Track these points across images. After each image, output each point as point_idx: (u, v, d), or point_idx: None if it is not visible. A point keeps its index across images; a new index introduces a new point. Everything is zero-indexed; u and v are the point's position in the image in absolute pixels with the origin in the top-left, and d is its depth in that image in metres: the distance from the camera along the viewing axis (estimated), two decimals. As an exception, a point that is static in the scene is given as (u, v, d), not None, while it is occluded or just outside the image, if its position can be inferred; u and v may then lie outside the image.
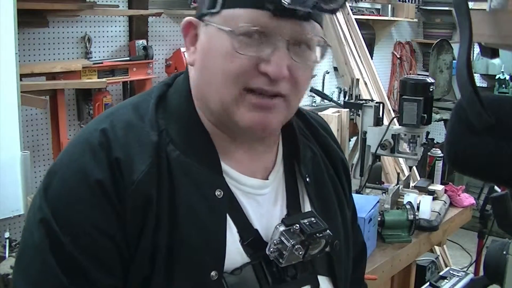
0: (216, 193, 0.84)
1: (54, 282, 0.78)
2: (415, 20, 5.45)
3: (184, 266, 0.81)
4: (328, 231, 0.88)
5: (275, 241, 0.85)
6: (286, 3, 0.76)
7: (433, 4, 5.64)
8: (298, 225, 0.86)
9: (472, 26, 0.70)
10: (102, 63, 3.08)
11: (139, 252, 0.79)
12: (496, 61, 4.79)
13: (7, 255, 2.14)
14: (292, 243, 0.84)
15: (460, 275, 2.02)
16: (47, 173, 0.84)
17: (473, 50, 3.45)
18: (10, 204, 2.38)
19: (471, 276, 2.07)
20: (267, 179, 0.92)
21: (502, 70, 4.85)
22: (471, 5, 0.73)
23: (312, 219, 0.88)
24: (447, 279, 1.99)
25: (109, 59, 3.23)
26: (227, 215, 0.85)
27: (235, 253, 0.85)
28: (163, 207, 0.80)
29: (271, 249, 0.85)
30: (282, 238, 0.85)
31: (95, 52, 3.21)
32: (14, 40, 2.32)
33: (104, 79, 3.00)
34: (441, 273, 2.08)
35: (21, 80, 2.45)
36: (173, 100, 0.89)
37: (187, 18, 0.86)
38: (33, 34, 2.92)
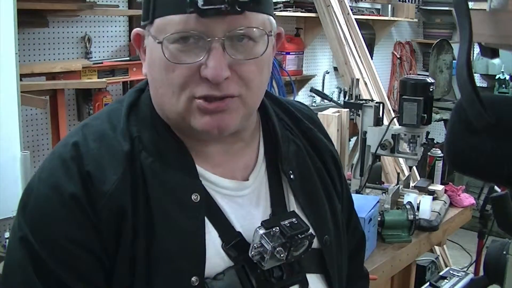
0: (192, 197, 0.83)
1: None
2: (415, 20, 5.45)
3: (164, 273, 0.80)
4: (310, 231, 0.87)
5: (255, 245, 0.84)
6: (200, 5, 0.74)
7: (433, 4, 5.63)
8: (278, 228, 0.84)
9: (472, 26, 0.70)
10: (102, 63, 3.08)
11: (118, 262, 0.79)
12: (496, 61, 4.79)
13: (7, 255, 2.14)
14: (272, 246, 0.83)
15: (460, 275, 2.02)
16: (24, 190, 0.85)
17: (473, 50, 3.45)
18: (10, 204, 2.38)
19: (471, 276, 2.07)
20: (248, 179, 0.91)
21: (502, 70, 4.85)
22: (471, 5, 0.72)
23: (294, 219, 0.87)
24: (447, 279, 1.99)
25: (109, 59, 3.23)
26: (206, 219, 0.84)
27: (216, 257, 0.84)
28: (139, 215, 0.80)
29: (253, 252, 0.84)
30: (262, 242, 0.83)
31: (95, 52, 3.21)
32: (14, 40, 2.32)
33: (104, 79, 3.00)
34: (441, 273, 2.08)
35: (21, 80, 2.45)
36: (144, 106, 0.88)
37: (135, 29, 0.87)
38: (33, 34, 2.92)
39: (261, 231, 0.84)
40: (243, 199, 0.89)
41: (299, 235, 0.85)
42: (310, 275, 0.92)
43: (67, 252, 0.78)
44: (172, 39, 0.78)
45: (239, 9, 0.76)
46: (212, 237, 0.84)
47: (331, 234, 0.96)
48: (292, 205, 0.94)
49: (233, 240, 0.85)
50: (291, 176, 0.93)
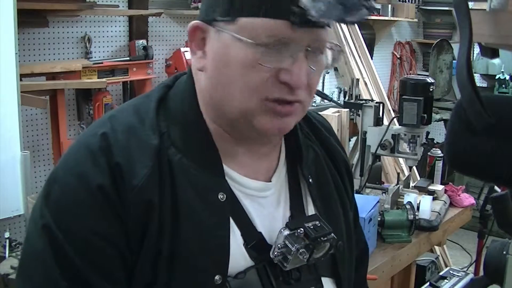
0: (219, 197, 0.83)
1: None
2: (415, 20, 5.45)
3: (188, 270, 0.80)
4: (332, 234, 0.88)
5: (279, 245, 0.84)
6: (314, 18, 0.74)
7: (433, 4, 5.63)
8: (302, 229, 0.85)
9: (472, 26, 0.70)
10: (102, 63, 3.08)
11: (141, 257, 0.78)
12: (496, 61, 4.79)
13: (7, 255, 2.14)
14: (296, 247, 0.84)
15: (460, 275, 2.02)
16: (47, 179, 0.83)
17: (473, 50, 3.45)
18: (10, 204, 2.38)
19: (471, 276, 2.07)
20: (270, 181, 0.92)
21: (502, 70, 4.85)
22: (471, 5, 0.72)
23: (317, 222, 0.88)
24: (447, 279, 1.99)
25: (109, 59, 3.23)
26: (230, 218, 0.84)
27: (238, 256, 0.84)
28: (165, 211, 0.79)
29: (275, 253, 0.84)
30: (287, 242, 0.84)
31: (95, 52, 3.21)
32: (14, 40, 2.32)
33: (104, 79, 3.00)
34: (441, 273, 2.08)
35: (21, 80, 2.45)
36: (175, 102, 0.88)
37: (194, 22, 0.84)
38: (33, 34, 2.92)
39: (286, 232, 0.85)
40: (265, 200, 0.90)
41: (322, 238, 0.86)
42: (323, 279, 0.93)
43: (90, 244, 0.77)
44: (265, 42, 0.77)
45: (328, 25, 0.79)
46: (236, 237, 0.84)
47: (344, 240, 0.97)
48: (310, 208, 0.95)
49: (254, 240, 0.86)
50: (310, 181, 0.95)
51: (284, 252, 0.84)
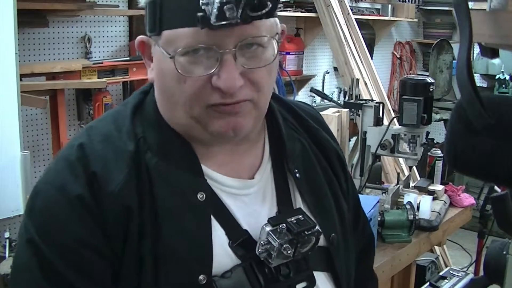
0: (198, 196, 0.84)
1: None
2: (415, 20, 5.45)
3: (171, 272, 0.80)
4: (317, 227, 0.87)
5: (262, 242, 0.84)
6: (212, 22, 0.74)
7: (433, 4, 5.63)
8: (284, 224, 0.85)
9: (472, 26, 0.70)
10: (102, 63, 3.08)
11: (125, 261, 0.79)
12: (496, 61, 4.78)
13: (7, 255, 2.14)
14: (279, 242, 0.83)
15: (460, 275, 2.02)
16: (31, 192, 0.85)
17: (473, 50, 3.45)
18: (10, 204, 2.38)
19: (471, 276, 2.08)
20: (253, 178, 0.92)
21: (502, 70, 4.85)
22: (471, 5, 0.72)
23: (300, 216, 0.87)
24: (447, 279, 1.99)
25: (109, 59, 3.23)
26: (212, 217, 0.85)
27: (223, 255, 0.84)
28: (145, 215, 0.80)
29: (260, 250, 0.84)
30: (269, 239, 0.84)
31: (95, 52, 3.21)
32: (14, 40, 2.32)
33: (104, 79, 3.00)
34: (441, 273, 2.09)
35: (21, 80, 2.45)
36: (149, 108, 0.89)
37: (139, 37, 0.86)
38: (33, 34, 2.92)
39: (268, 228, 0.85)
40: (249, 197, 0.90)
41: (305, 232, 0.85)
42: (317, 273, 0.92)
43: (74, 253, 0.78)
44: (183, 52, 0.78)
45: (249, 21, 0.77)
46: (219, 236, 0.85)
47: (337, 233, 0.96)
48: (299, 203, 0.94)
49: (240, 238, 0.86)
50: (297, 175, 0.94)
51: (268, 249, 0.84)
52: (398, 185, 2.32)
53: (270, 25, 0.82)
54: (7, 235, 2.22)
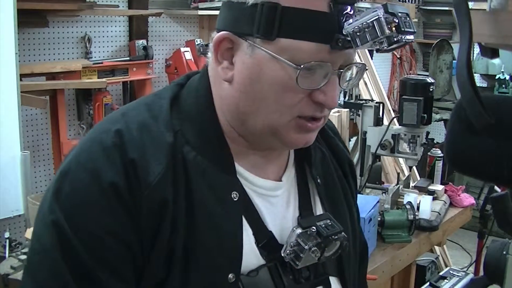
0: (232, 195, 0.84)
1: (62, 287, 0.76)
2: (415, 20, 5.45)
3: (202, 269, 0.80)
4: (343, 233, 0.88)
5: (291, 244, 0.85)
6: (356, 45, 0.77)
7: (433, 4, 5.63)
8: (314, 228, 0.86)
9: (472, 26, 0.70)
10: (102, 63, 3.09)
11: (153, 255, 0.78)
12: (496, 61, 4.79)
13: (7, 255, 2.14)
14: (309, 245, 0.84)
15: (460, 275, 2.02)
16: (58, 173, 0.82)
17: (473, 50, 3.45)
18: (10, 204, 2.39)
19: (471, 276, 2.07)
20: (280, 181, 0.92)
21: (502, 70, 4.85)
22: (471, 5, 0.72)
23: (328, 221, 0.89)
24: (447, 279, 1.99)
25: (109, 59, 3.23)
26: (243, 217, 0.85)
27: (251, 255, 0.84)
28: (179, 209, 0.79)
29: (287, 251, 0.85)
30: (299, 241, 0.85)
31: (95, 52, 3.21)
32: (14, 40, 2.32)
33: (104, 79, 3.01)
34: (441, 273, 2.08)
35: (21, 80, 2.45)
36: (188, 101, 0.87)
37: (224, 33, 0.82)
38: (33, 34, 2.92)
39: (298, 230, 0.86)
40: (276, 199, 0.91)
41: (333, 236, 0.87)
42: (330, 278, 0.94)
43: (99, 241, 0.76)
44: (307, 66, 0.78)
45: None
46: (248, 235, 0.85)
47: (349, 240, 0.97)
48: (319, 209, 0.96)
49: (265, 239, 0.86)
50: (318, 181, 0.96)
51: (296, 251, 0.85)
52: (398, 185, 2.32)
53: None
54: (7, 235, 2.22)
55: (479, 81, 5.24)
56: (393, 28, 0.76)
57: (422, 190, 2.39)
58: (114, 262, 0.77)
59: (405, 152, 2.25)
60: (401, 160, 3.30)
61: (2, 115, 2.32)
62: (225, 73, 0.84)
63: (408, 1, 5.47)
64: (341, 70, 0.81)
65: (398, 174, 2.72)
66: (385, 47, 0.78)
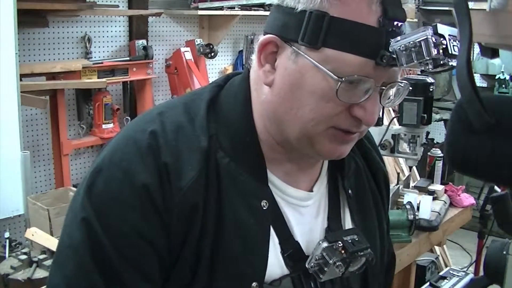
0: (262, 204, 0.83)
1: (89, 284, 0.76)
2: (415, 20, 5.45)
3: (227, 275, 0.80)
4: (369, 249, 0.87)
5: (316, 257, 0.84)
6: (401, 64, 0.75)
7: (433, 4, 5.63)
8: (341, 242, 0.85)
9: (472, 26, 0.70)
10: (102, 63, 3.09)
11: (181, 259, 0.78)
12: (496, 61, 4.78)
13: (7, 255, 2.14)
14: (334, 260, 0.84)
15: (460, 275, 2.02)
16: (91, 169, 0.81)
17: (473, 50, 3.45)
18: (10, 204, 2.39)
19: (471, 276, 2.07)
20: (312, 191, 0.91)
21: (502, 70, 4.85)
22: (471, 5, 0.72)
23: (355, 236, 0.88)
24: (447, 279, 1.99)
25: (109, 59, 3.23)
26: (270, 226, 0.84)
27: (275, 264, 0.84)
28: (209, 215, 0.79)
29: (312, 264, 0.84)
30: (324, 254, 0.84)
31: (95, 52, 3.21)
32: (14, 40, 2.32)
33: (104, 79, 3.01)
34: (441, 273, 2.08)
35: (21, 80, 2.45)
36: (226, 105, 0.86)
37: (271, 36, 0.81)
38: (33, 34, 2.92)
39: (324, 244, 0.85)
40: (306, 209, 0.90)
41: (359, 252, 0.86)
42: None
43: (129, 242, 0.76)
44: (351, 80, 0.76)
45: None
46: (274, 244, 0.84)
47: (377, 254, 0.97)
48: (348, 221, 0.95)
49: (291, 249, 0.86)
50: (349, 193, 0.95)
51: (320, 264, 0.84)
52: (398, 185, 2.32)
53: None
54: (7, 235, 2.22)
55: (479, 81, 5.24)
56: (441, 51, 0.75)
57: (422, 190, 2.39)
58: (141, 263, 0.77)
59: (405, 152, 2.25)
60: (401, 160, 3.30)
61: (2, 115, 2.32)
62: (266, 76, 0.82)
63: (408, 1, 5.47)
64: (383, 88, 0.79)
65: (398, 174, 2.72)
66: (430, 69, 0.76)
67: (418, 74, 2.21)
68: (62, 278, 0.78)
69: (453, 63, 0.76)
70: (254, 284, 0.81)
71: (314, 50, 0.77)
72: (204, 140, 0.81)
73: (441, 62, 0.76)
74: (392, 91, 0.83)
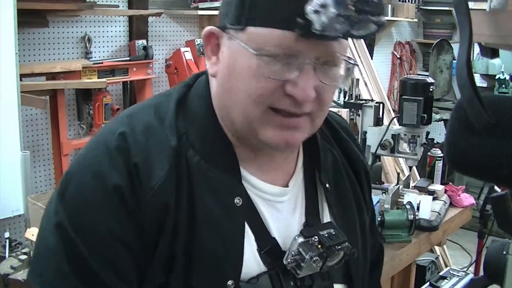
0: (235, 201, 0.83)
1: (68, 287, 0.77)
2: (415, 20, 5.45)
3: (202, 274, 0.80)
4: (347, 243, 0.87)
5: (293, 252, 0.84)
6: (317, 31, 0.71)
7: (433, 4, 5.63)
8: (317, 237, 0.85)
9: (472, 26, 0.70)
10: (102, 63, 3.08)
11: (155, 259, 0.78)
12: (496, 61, 4.78)
13: (7, 255, 2.14)
14: (310, 255, 0.83)
15: (460, 275, 2.02)
16: (64, 176, 0.82)
17: (473, 50, 3.45)
18: (10, 204, 2.38)
19: (471, 276, 2.07)
20: (287, 186, 0.91)
21: (502, 70, 4.85)
22: (471, 5, 0.72)
23: (332, 230, 0.87)
24: (447, 279, 1.99)
25: (109, 59, 3.23)
26: (245, 223, 0.84)
27: (252, 261, 0.84)
28: (181, 214, 0.79)
29: (289, 260, 0.84)
30: (300, 250, 0.84)
31: (95, 52, 3.21)
32: (14, 40, 2.32)
33: (104, 79, 3.00)
34: (441, 273, 2.08)
35: (21, 80, 2.45)
36: (193, 103, 0.87)
37: (209, 27, 0.83)
38: (33, 34, 2.92)
39: (300, 240, 0.84)
40: (282, 205, 0.89)
41: (336, 246, 0.85)
42: (336, 285, 0.93)
43: (102, 243, 0.77)
44: (268, 53, 0.75)
45: (346, 38, 0.76)
46: (250, 242, 0.84)
47: (358, 247, 0.96)
48: (326, 215, 0.94)
49: (268, 246, 0.85)
50: (327, 186, 0.94)
51: (297, 260, 0.84)
52: (398, 185, 2.32)
53: (346, 47, 0.81)
54: (7, 235, 2.22)
55: (479, 81, 5.24)
56: (353, 8, 0.71)
57: (422, 190, 2.39)
58: (116, 263, 0.77)
59: (405, 152, 2.25)
60: (401, 160, 3.30)
61: (2, 115, 2.32)
62: (212, 68, 0.84)
63: (408, 1, 5.47)
64: (316, 62, 0.77)
65: (398, 174, 2.72)
66: (351, 32, 0.73)
67: (418, 74, 2.21)
68: (40, 284, 0.79)
69: (373, 18, 0.73)
70: (229, 282, 0.80)
71: (242, 31, 0.77)
72: (173, 139, 0.81)
73: (358, 19, 0.72)
74: (338, 70, 0.80)
